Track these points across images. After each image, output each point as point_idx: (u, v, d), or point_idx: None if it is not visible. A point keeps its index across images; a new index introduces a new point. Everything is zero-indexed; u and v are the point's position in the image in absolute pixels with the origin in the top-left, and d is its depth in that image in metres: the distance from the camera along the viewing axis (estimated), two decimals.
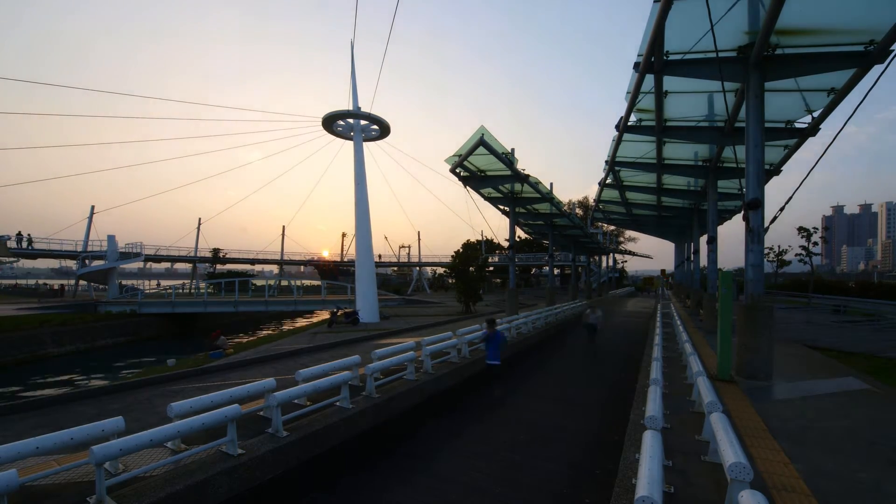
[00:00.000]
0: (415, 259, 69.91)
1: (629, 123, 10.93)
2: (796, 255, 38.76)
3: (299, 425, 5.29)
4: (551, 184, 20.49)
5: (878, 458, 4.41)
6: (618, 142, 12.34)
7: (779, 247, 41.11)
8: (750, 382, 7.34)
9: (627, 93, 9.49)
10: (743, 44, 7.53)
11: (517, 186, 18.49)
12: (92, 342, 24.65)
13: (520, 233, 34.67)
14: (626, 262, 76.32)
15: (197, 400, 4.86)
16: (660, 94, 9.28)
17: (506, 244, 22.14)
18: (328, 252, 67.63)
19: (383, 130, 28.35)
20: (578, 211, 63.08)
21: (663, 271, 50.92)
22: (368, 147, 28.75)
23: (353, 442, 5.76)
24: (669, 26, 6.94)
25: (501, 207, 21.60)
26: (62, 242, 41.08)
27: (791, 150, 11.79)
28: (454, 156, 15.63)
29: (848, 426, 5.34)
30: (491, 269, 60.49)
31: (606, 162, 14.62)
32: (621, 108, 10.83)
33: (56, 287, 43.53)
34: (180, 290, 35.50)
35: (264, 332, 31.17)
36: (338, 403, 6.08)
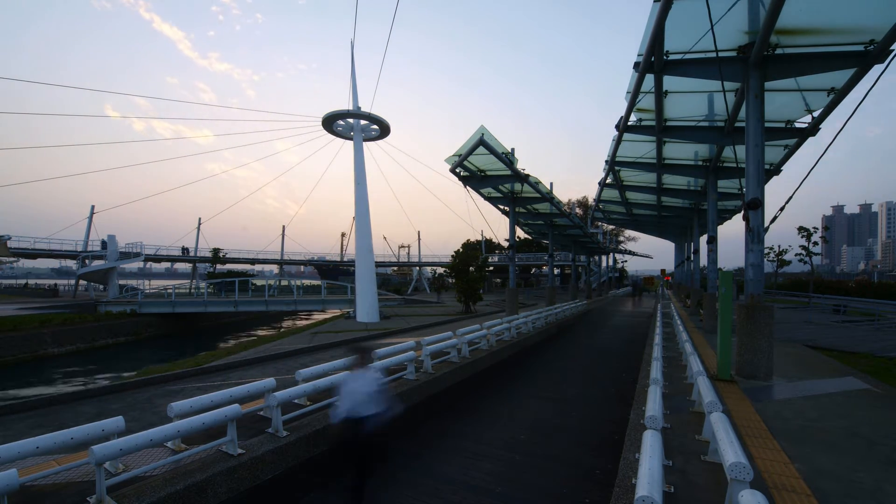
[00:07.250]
0: (415, 259, 69.96)
1: (629, 123, 10.93)
2: (796, 254, 38.81)
3: (299, 425, 5.29)
4: (551, 184, 20.52)
5: (879, 458, 4.41)
6: (618, 141, 12.34)
7: (779, 247, 41.15)
8: (750, 382, 7.35)
9: (627, 92, 9.49)
10: (743, 43, 7.52)
11: (517, 186, 18.49)
12: (92, 342, 24.70)
13: (520, 233, 34.68)
14: (626, 261, 76.39)
15: (197, 399, 4.86)
16: (660, 94, 9.28)
17: (506, 244, 22.16)
18: (328, 254, 67.67)
19: (383, 130, 28.38)
20: (578, 211, 63.12)
21: (663, 271, 50.90)
22: (368, 147, 28.78)
23: None
24: (669, 26, 6.94)
25: (501, 207, 21.60)
26: (62, 242, 41.23)
27: (791, 150, 11.78)
28: (454, 156, 15.63)
29: (848, 426, 5.34)
30: (491, 269, 60.51)
31: (606, 162, 14.62)
32: (621, 108, 10.84)
33: (47, 287, 43.88)
34: (180, 290, 35.50)
35: (264, 332, 31.19)
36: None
